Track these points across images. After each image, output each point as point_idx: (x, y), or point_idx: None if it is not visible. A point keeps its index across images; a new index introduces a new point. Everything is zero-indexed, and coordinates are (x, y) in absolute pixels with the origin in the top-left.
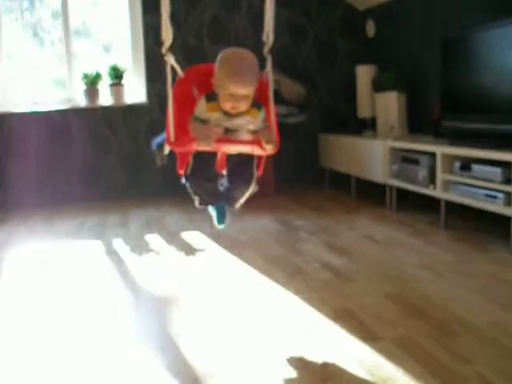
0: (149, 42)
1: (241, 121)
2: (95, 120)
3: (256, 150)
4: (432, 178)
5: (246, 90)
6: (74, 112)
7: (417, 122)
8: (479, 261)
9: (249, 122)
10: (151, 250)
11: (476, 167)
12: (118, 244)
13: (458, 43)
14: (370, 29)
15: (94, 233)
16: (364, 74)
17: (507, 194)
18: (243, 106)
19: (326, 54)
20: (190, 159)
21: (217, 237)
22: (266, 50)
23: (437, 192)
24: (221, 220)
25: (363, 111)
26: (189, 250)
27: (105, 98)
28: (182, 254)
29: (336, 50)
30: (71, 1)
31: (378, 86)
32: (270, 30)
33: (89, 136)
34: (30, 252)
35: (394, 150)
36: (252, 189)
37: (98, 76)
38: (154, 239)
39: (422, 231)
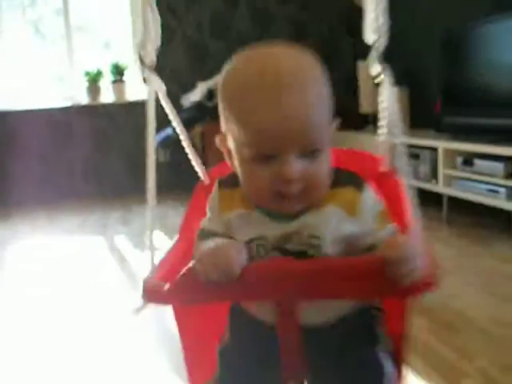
0: None
1: (313, 219)
2: (97, 117)
3: (384, 282)
4: (434, 173)
5: (308, 144)
6: (76, 109)
7: (418, 117)
8: (482, 256)
9: (336, 220)
10: (154, 247)
11: (478, 162)
12: (121, 240)
13: (459, 38)
14: None
15: (96, 229)
16: (365, 69)
17: (509, 188)
18: (306, 192)
19: (327, 49)
20: (225, 333)
21: None
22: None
23: (439, 187)
24: None
25: (365, 107)
26: None
27: (106, 95)
28: None
29: (337, 45)
30: None
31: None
32: (379, 27)
33: (91, 133)
34: (33, 248)
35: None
36: None
37: (99, 73)
38: (156, 235)
39: (424, 226)
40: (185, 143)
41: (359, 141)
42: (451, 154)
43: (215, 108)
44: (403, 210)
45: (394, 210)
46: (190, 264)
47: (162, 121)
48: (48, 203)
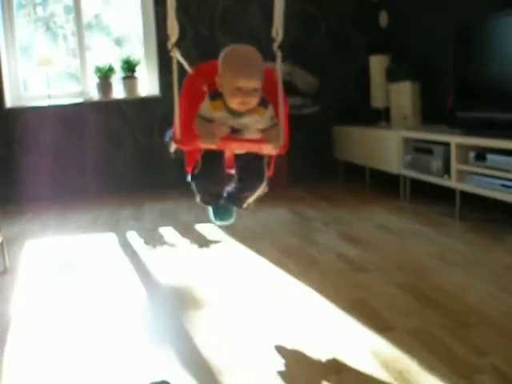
0: (161, 34)
1: (247, 120)
2: (108, 113)
3: (264, 149)
4: (447, 169)
5: (254, 83)
6: (88, 105)
7: (431, 112)
8: (495, 251)
9: (256, 121)
10: (165, 243)
11: (491, 157)
12: (132, 237)
13: (471, 32)
14: (383, 19)
15: (108, 226)
16: (377, 64)
17: None
18: (253, 100)
19: (339, 44)
20: (199, 159)
21: (231, 228)
22: (275, 46)
23: (451, 182)
24: (217, 217)
25: (377, 102)
26: (203, 241)
27: (118, 91)
28: (195, 246)
29: (349, 40)
30: None
31: (392, 76)
32: (279, 26)
33: (102, 129)
34: (45, 245)
35: (407, 141)
36: (262, 188)
37: (110, 69)
38: (168, 231)
39: (437, 222)
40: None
41: (371, 136)
42: (464, 148)
43: None
44: (277, 97)
45: (273, 96)
46: (197, 132)
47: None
48: (60, 199)
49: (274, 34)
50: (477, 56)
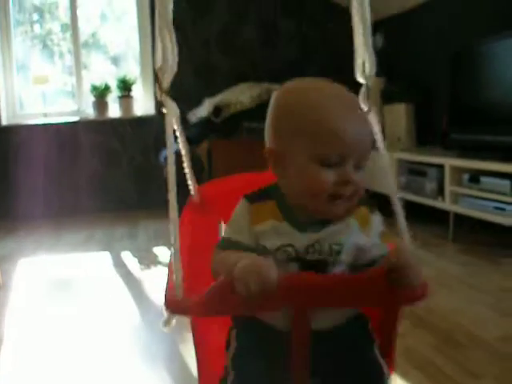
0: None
1: (336, 233)
2: (104, 132)
3: (382, 297)
4: (440, 190)
5: (367, 153)
6: (83, 124)
7: (425, 134)
8: (488, 273)
9: (355, 233)
10: (159, 262)
11: (485, 179)
12: (127, 256)
13: (466, 55)
14: (379, 41)
15: (102, 245)
16: (372, 85)
17: None
18: (359, 192)
19: (336, 64)
20: (232, 340)
21: None
22: (364, 86)
23: (445, 204)
24: None
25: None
26: None
27: (114, 110)
28: None
29: (346, 60)
30: (80, 13)
31: (387, 98)
32: (366, 56)
33: (98, 148)
34: (39, 263)
35: (401, 162)
36: None
37: (106, 88)
38: (162, 251)
39: (431, 243)
40: (185, 158)
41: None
42: (458, 171)
43: (222, 124)
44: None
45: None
46: (222, 277)
47: None
48: (54, 218)
49: (359, 65)
50: (471, 79)
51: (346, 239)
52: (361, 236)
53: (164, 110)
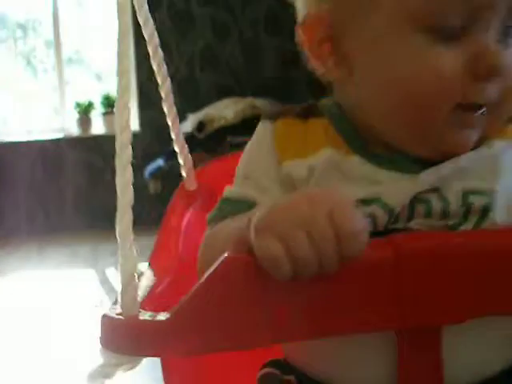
0: (140, 71)
1: (474, 164)
2: (88, 149)
3: None
4: None
5: None
6: (67, 141)
7: None
8: None
9: (508, 171)
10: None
11: None
12: (112, 273)
13: None
14: None
15: (87, 261)
16: None
17: None
18: (500, 106)
19: (319, 82)
20: None
21: None
22: None
23: None
24: None
25: None
26: None
27: (98, 127)
28: None
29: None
30: (64, 29)
31: None
32: None
33: (82, 165)
34: (23, 281)
35: None
36: None
37: (90, 105)
38: (147, 268)
39: None
40: (174, 126)
41: None
42: None
43: (206, 139)
44: None
45: None
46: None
47: (153, 153)
48: (38, 235)
49: None
50: None
51: (494, 182)
52: None
53: None
